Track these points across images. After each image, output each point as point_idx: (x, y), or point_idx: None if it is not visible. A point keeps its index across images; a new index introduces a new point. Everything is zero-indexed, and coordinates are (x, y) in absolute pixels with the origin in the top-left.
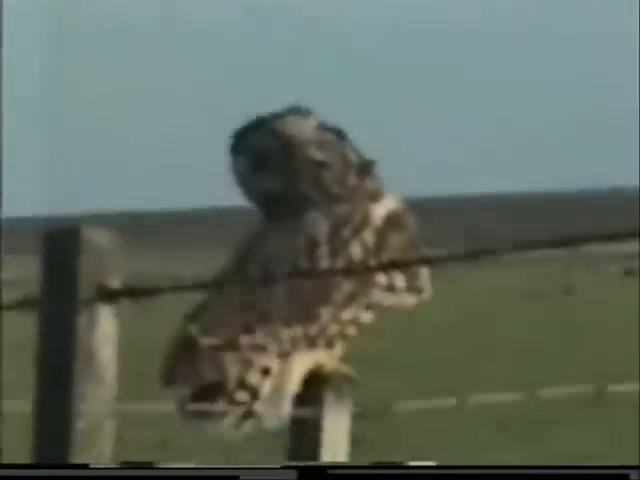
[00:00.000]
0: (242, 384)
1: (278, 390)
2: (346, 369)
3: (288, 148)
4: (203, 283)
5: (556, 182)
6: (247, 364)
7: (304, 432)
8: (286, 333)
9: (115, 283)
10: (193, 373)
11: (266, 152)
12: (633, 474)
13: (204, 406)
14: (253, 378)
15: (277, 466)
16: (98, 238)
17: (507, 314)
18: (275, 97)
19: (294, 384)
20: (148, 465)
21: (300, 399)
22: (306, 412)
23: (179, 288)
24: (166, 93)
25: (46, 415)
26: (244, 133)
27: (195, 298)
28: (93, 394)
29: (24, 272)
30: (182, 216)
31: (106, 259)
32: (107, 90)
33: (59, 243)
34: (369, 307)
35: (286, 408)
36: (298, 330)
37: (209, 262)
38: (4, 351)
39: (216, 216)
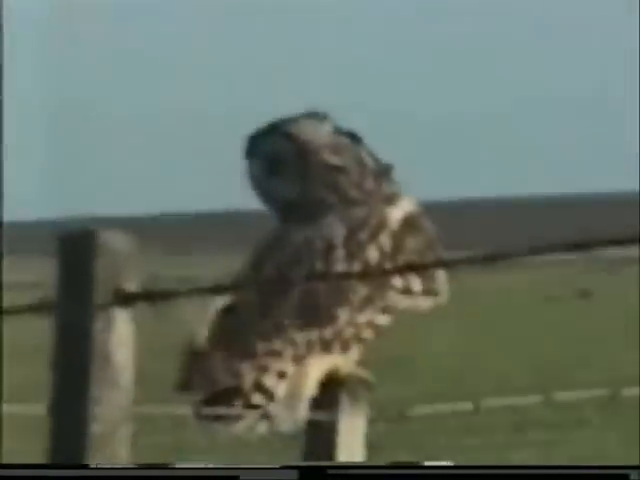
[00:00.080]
0: (258, 387)
1: (294, 393)
2: (362, 372)
3: (303, 152)
4: (220, 287)
5: (572, 184)
6: (263, 369)
7: (320, 435)
8: (302, 337)
9: (131, 286)
10: (208, 379)
11: (281, 156)
12: (633, 474)
13: (220, 409)
14: (269, 381)
15: (277, 466)
16: (114, 241)
17: (523, 317)
18: (285, 100)
19: (310, 387)
20: (148, 465)
21: (316, 402)
22: (322, 415)
23: (196, 291)
24: (179, 91)
25: (62, 418)
26: (259, 137)
27: (211, 302)
28: (109, 398)
29: (44, 274)
30: (196, 219)
31: (122, 262)
32: (117, 89)
33: (75, 246)
34: (385, 310)
35: (302, 411)
36: (314, 334)
37: (223, 264)
38: (21, 354)
39: (230, 219)
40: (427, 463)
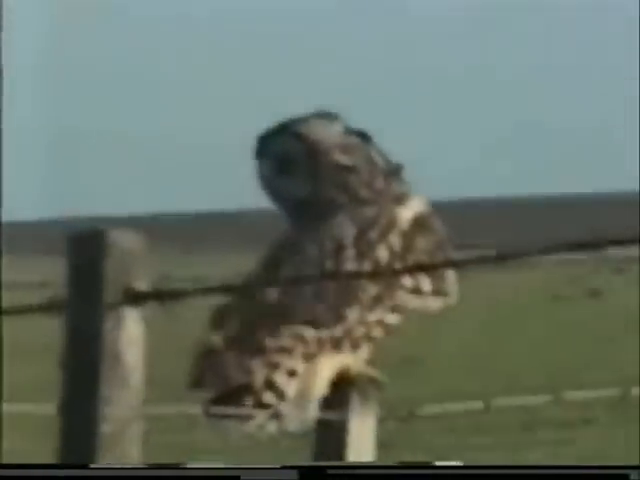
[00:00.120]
0: (269, 385)
1: (304, 392)
2: (372, 371)
3: (313, 152)
4: (231, 286)
5: (584, 183)
6: (274, 366)
7: (330, 435)
8: (312, 335)
9: (141, 286)
10: (220, 376)
11: (291, 156)
12: (633, 474)
13: (230, 408)
14: (279, 379)
15: (278, 466)
16: (123, 241)
17: (533, 317)
18: (294, 98)
19: (320, 386)
20: (149, 465)
21: (326, 401)
22: (332, 415)
23: (206, 291)
24: (187, 91)
25: (72, 418)
26: (269, 137)
27: (221, 300)
28: (119, 397)
29: (54, 274)
30: (205, 219)
31: (132, 262)
32: (126, 88)
33: (85, 246)
34: (395, 309)
35: (312, 410)
36: (324, 332)
37: (232, 264)
38: (30, 353)
39: (239, 219)
40: (427, 463)
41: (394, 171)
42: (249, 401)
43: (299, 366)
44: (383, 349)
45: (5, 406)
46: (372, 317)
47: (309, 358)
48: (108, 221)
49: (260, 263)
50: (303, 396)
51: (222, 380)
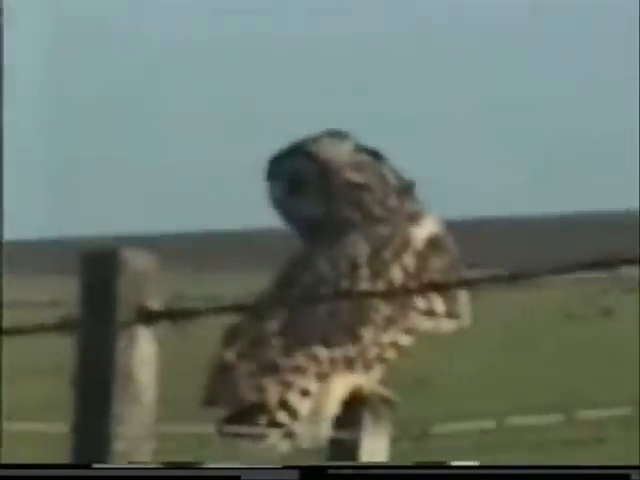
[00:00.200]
0: (283, 404)
1: (317, 411)
2: (385, 391)
3: (325, 171)
4: (244, 305)
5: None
6: (287, 385)
7: (343, 454)
8: (325, 354)
9: (154, 305)
10: (233, 395)
11: (303, 176)
12: (634, 474)
13: (243, 427)
14: (293, 398)
15: (279, 466)
16: (136, 260)
17: (545, 336)
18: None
19: (333, 406)
20: (150, 465)
21: (339, 421)
22: (345, 434)
23: (219, 310)
24: (196, 111)
25: (85, 436)
26: (280, 158)
27: (234, 319)
28: (131, 416)
29: (65, 293)
30: (217, 238)
31: (145, 281)
32: (132, 114)
33: (98, 265)
34: (408, 331)
35: (325, 430)
36: (337, 352)
37: (245, 283)
38: (42, 373)
39: (251, 238)
40: (427, 463)
41: (407, 189)
42: (262, 420)
43: (312, 385)
44: (396, 369)
45: (16, 425)
46: (385, 338)
47: (322, 378)
48: (114, 240)
49: (273, 282)
50: (316, 415)
51: (235, 399)
